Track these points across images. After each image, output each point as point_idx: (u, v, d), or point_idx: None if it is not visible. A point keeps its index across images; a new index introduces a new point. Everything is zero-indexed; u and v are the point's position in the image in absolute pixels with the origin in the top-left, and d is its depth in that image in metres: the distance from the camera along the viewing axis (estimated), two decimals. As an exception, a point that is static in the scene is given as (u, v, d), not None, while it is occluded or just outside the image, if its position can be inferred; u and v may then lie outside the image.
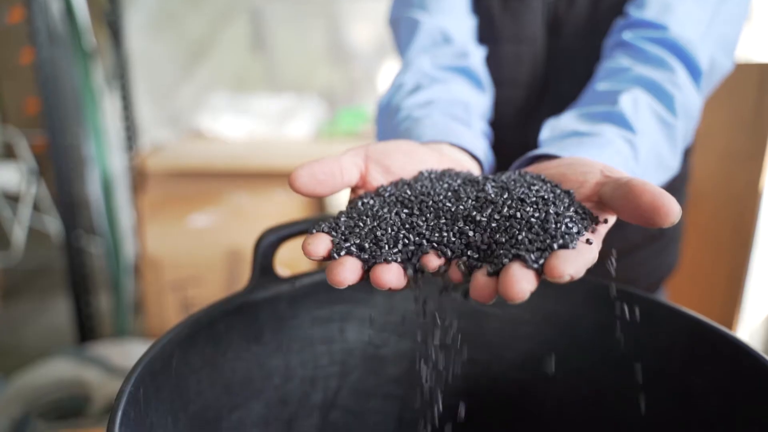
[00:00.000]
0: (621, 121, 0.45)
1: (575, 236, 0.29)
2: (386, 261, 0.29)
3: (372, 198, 0.34)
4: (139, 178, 1.62)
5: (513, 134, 0.66)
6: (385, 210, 0.32)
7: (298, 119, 1.88)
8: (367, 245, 0.30)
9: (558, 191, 0.33)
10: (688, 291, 1.21)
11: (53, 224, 2.70)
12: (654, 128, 0.47)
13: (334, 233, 0.31)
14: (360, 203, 0.34)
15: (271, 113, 1.88)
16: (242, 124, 1.85)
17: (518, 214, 0.30)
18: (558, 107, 0.57)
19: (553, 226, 0.28)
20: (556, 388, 0.48)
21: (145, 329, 1.71)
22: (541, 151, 0.42)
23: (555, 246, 0.27)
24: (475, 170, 0.44)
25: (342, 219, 0.32)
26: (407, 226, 0.31)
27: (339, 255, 0.30)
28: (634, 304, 0.43)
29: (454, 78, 0.58)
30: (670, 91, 0.48)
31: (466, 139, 0.46)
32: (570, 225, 0.29)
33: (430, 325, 0.35)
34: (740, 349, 0.38)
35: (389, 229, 0.31)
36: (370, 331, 0.47)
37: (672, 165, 0.49)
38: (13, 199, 2.84)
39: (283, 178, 1.55)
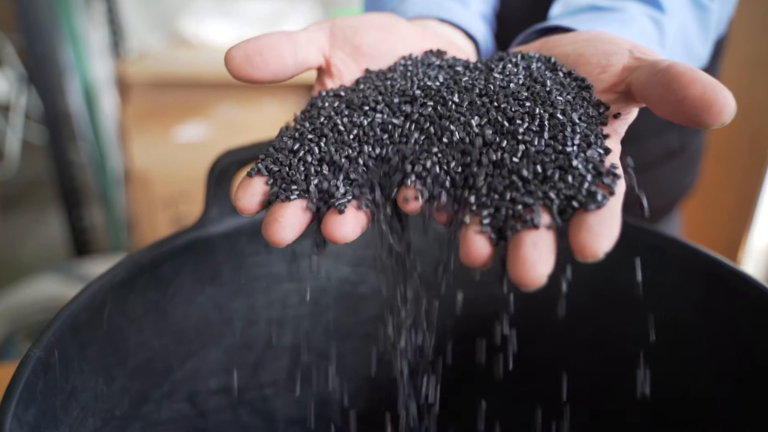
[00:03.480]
0: None
1: (602, 175, 0.22)
2: (339, 211, 0.23)
3: (326, 111, 0.27)
4: (121, 88, 1.53)
5: (524, 25, 0.57)
6: (342, 128, 0.25)
7: (290, 23, 1.76)
8: (312, 188, 0.23)
9: (573, 86, 0.26)
10: (695, 208, 1.16)
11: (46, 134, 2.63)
12: (686, 9, 0.39)
13: (271, 175, 0.24)
14: (310, 118, 0.27)
15: (261, 17, 1.76)
16: (229, 29, 1.73)
17: (520, 141, 0.23)
18: None
19: (573, 173, 0.21)
20: (551, 330, 0.44)
21: (140, 245, 1.69)
22: (551, 23, 0.34)
23: (584, 205, 0.20)
24: (471, 52, 0.37)
25: (284, 151, 0.25)
26: (369, 154, 0.24)
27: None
28: (644, 239, 0.38)
29: None
30: None
31: (461, 16, 0.38)
32: (594, 157, 0.22)
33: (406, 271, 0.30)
34: (762, 294, 0.33)
35: (344, 160, 0.24)
36: (345, 268, 0.42)
37: (701, 55, 0.42)
38: (4, 108, 2.75)
39: (274, 88, 1.46)
